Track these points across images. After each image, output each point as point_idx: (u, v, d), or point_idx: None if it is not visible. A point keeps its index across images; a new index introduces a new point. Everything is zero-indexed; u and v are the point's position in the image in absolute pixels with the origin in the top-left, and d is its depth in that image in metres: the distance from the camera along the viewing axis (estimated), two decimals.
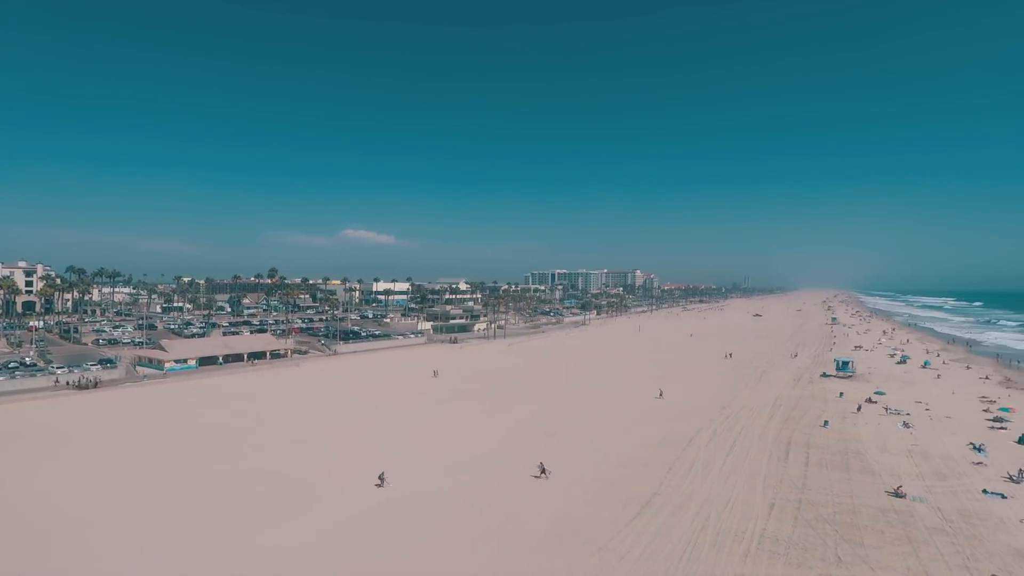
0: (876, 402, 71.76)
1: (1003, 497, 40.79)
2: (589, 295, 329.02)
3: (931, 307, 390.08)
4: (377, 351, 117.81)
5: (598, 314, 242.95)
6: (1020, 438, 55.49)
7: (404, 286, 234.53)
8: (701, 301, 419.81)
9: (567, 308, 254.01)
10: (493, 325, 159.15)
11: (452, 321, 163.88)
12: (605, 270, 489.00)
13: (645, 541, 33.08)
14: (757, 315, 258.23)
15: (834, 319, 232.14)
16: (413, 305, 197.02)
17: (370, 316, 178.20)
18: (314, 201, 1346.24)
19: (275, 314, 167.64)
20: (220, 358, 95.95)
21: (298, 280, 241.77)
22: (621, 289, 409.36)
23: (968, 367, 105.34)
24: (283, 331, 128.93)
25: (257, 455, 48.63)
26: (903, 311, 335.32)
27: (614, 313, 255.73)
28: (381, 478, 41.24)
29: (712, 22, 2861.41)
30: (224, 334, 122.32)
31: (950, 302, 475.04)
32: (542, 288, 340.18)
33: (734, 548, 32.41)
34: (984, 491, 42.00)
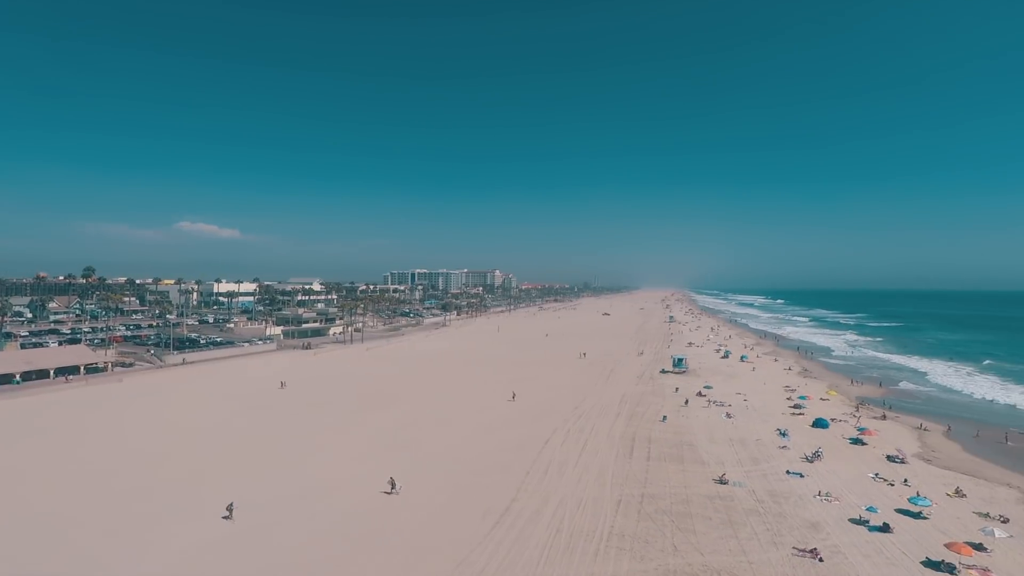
0: (705, 395, 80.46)
1: (801, 476, 47.82)
2: (449, 295, 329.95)
3: (746, 304, 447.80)
4: (218, 360, 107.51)
5: (458, 315, 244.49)
6: (814, 422, 65.54)
7: (251, 287, 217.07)
8: (556, 300, 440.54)
9: (427, 309, 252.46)
10: (350, 328, 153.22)
11: (305, 325, 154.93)
12: (465, 270, 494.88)
13: (504, 551, 33.85)
14: (606, 314, 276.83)
15: (671, 317, 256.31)
16: (261, 308, 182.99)
17: (211, 321, 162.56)
18: (142, 187, 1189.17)
19: (93, 320, 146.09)
20: (17, 376, 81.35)
21: (122, 280, 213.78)
22: (481, 289, 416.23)
23: (776, 360, 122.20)
24: (103, 340, 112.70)
25: (68, 486, 41.94)
26: (726, 308, 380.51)
27: (474, 313, 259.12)
28: (229, 509, 37.69)
29: (543, 25, 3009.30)
30: (23, 346, 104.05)
31: (760, 300, 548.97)
32: (402, 288, 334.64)
33: (586, 548, 34.36)
34: (787, 472, 48.92)
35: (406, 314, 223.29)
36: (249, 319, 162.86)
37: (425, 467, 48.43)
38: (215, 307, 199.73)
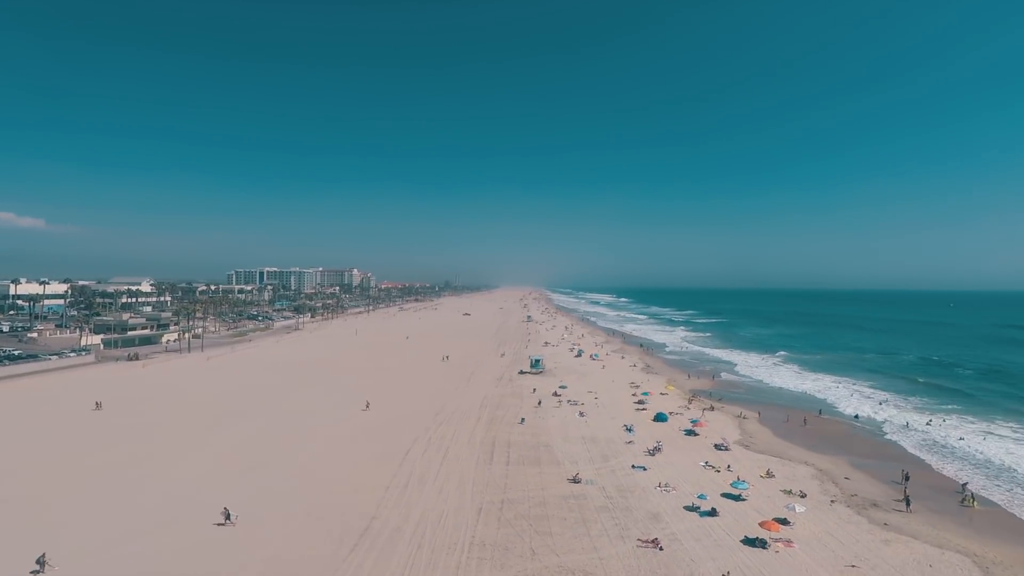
0: (560, 395, 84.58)
1: (644, 469, 52.15)
2: (303, 296, 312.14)
3: (596, 303, 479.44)
4: (13, 379, 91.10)
5: (312, 317, 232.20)
6: (655, 416, 71.82)
7: (61, 288, 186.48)
8: (417, 300, 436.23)
9: (278, 311, 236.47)
10: (187, 335, 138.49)
11: (132, 333, 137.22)
12: (320, 268, 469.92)
13: (364, 574, 32.75)
14: (467, 314, 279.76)
15: (529, 317, 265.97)
16: (75, 313, 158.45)
17: (6, 330, 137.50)
18: None
19: None
20: None
21: None
22: (337, 289, 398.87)
23: (623, 357, 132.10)
24: None
25: None
26: (579, 307, 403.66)
27: (330, 315, 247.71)
28: (40, 563, 32.00)
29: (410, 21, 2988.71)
30: None
31: (608, 298, 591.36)
32: (248, 288, 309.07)
33: (448, 561, 34.38)
34: (632, 466, 53.07)
35: (254, 317, 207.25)
36: (58, 327, 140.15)
37: (274, 491, 45.24)
38: (12, 312, 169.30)
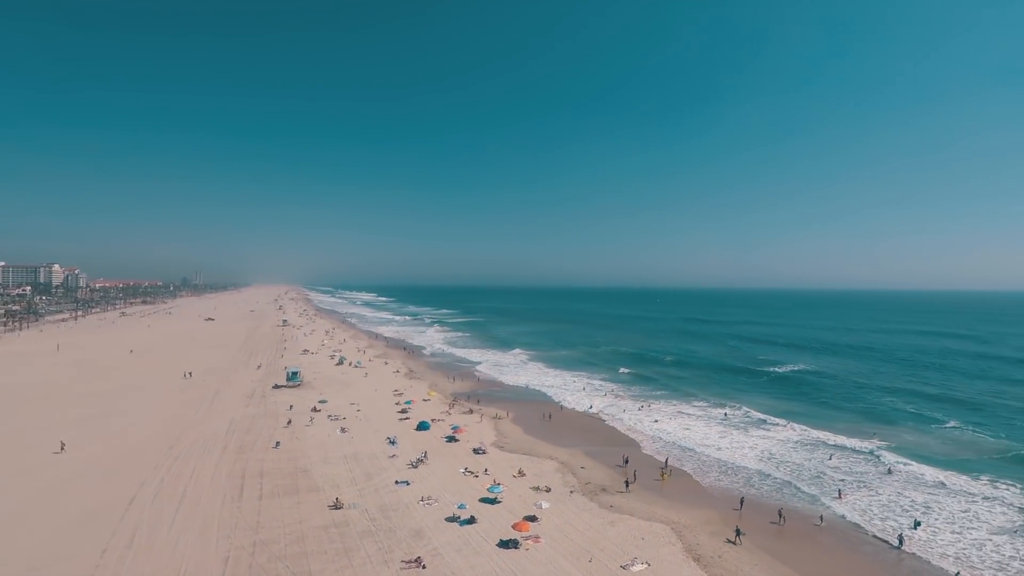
0: (320, 410, 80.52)
1: (407, 484, 52.66)
2: None
3: (355, 302, 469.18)
4: None
5: None
6: (418, 425, 73.07)
7: None
8: (145, 302, 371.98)
9: None
10: None
11: None
12: (2, 263, 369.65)
13: None
14: (210, 319, 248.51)
15: (284, 320, 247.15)
16: None
17: None
18: None
19: None
20: None
21: None
22: (29, 289, 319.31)
23: (386, 363, 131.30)
24: None
25: None
26: (340, 308, 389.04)
27: (18, 324, 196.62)
28: None
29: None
30: None
31: (369, 297, 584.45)
32: None
33: None
34: (396, 482, 53.19)
35: None
36: None
37: None
38: None
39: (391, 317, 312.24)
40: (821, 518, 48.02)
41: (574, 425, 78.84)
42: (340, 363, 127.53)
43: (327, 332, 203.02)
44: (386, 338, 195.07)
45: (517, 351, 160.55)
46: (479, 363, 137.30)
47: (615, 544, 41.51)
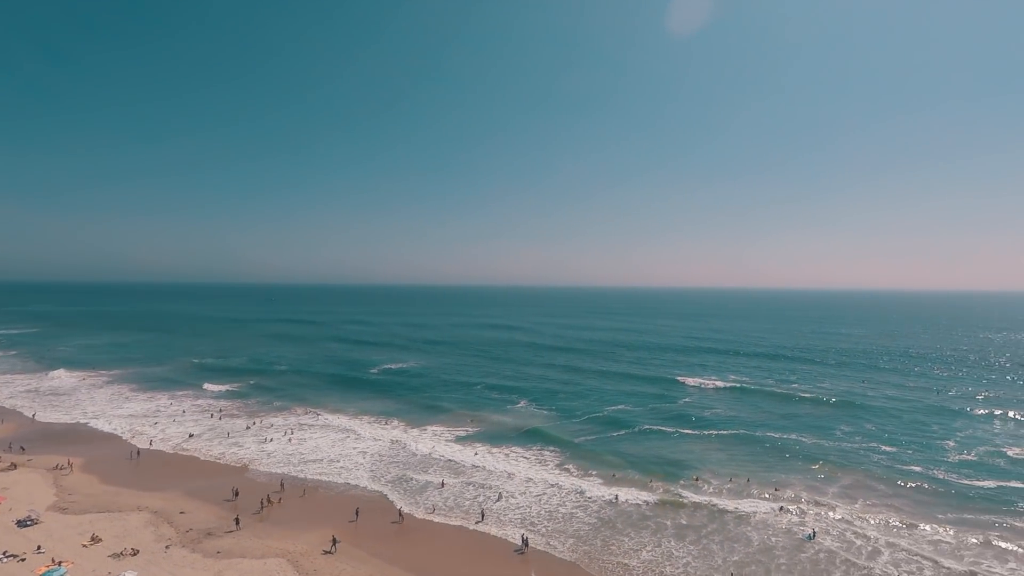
0: None
1: None
2: None
3: None
4: None
5: None
6: None
7: None
8: None
9: None
10: None
11: None
12: None
13: None
14: None
15: None
16: None
17: None
18: None
19: None
20: None
21: None
22: None
23: None
24: None
25: None
26: None
27: None
28: None
29: None
30: None
31: None
32: None
33: None
34: None
35: None
36: None
37: None
38: None
39: None
40: (400, 513, 52.52)
41: (169, 461, 68.07)
42: None
43: None
44: None
45: (84, 373, 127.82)
46: (26, 393, 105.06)
47: None
